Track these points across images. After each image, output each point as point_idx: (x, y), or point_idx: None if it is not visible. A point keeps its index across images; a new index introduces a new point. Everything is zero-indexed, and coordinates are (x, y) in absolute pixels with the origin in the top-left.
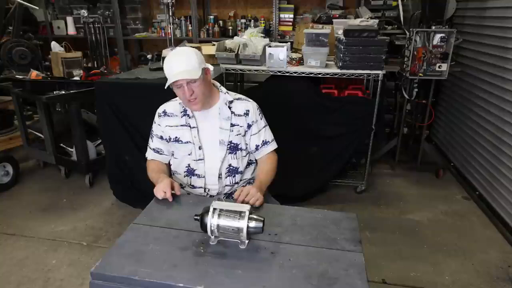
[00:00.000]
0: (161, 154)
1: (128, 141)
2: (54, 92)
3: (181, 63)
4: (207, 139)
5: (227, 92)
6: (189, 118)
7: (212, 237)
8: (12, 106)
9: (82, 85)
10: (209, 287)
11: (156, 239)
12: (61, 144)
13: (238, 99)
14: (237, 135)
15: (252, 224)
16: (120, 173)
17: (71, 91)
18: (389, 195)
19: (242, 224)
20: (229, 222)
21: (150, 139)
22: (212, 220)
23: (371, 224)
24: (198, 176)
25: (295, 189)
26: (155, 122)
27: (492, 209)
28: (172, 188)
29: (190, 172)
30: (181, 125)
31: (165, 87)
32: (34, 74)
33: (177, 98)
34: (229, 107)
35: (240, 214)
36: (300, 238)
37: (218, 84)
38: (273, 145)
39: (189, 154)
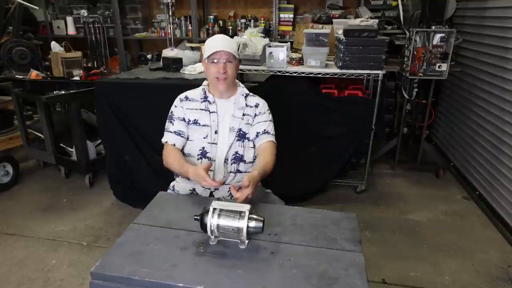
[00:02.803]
0: (182, 136)
1: (128, 141)
2: (54, 92)
3: (227, 42)
4: (222, 125)
5: (244, 87)
6: (210, 104)
7: (212, 237)
8: (12, 106)
9: (82, 85)
10: (209, 287)
11: (156, 239)
12: (61, 144)
13: (252, 95)
14: (246, 123)
15: (252, 224)
16: (120, 173)
17: (71, 91)
18: (389, 195)
19: (242, 224)
20: (229, 222)
21: (169, 123)
22: (212, 220)
23: (371, 224)
24: (209, 159)
25: (295, 189)
26: (175, 106)
27: (492, 209)
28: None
29: (203, 154)
30: (201, 109)
31: (206, 57)
32: (34, 74)
33: (196, 88)
34: (245, 99)
35: (240, 214)
36: (300, 238)
37: (237, 80)
38: (273, 138)
39: (204, 137)
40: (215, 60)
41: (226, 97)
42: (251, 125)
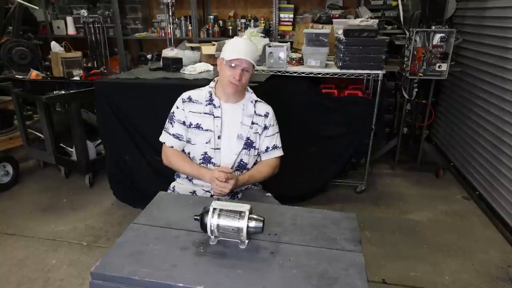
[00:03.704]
0: (180, 140)
1: (128, 141)
2: (54, 92)
3: (251, 51)
4: (226, 131)
5: (252, 93)
6: (215, 108)
7: (212, 237)
8: (12, 106)
9: (82, 85)
10: (209, 287)
11: (156, 239)
12: (61, 144)
13: (259, 101)
14: (255, 133)
15: (252, 224)
16: (120, 173)
17: (71, 91)
18: (389, 195)
19: (242, 224)
20: (229, 222)
21: (169, 124)
22: (212, 220)
23: (371, 224)
24: (214, 164)
25: (295, 189)
26: (177, 107)
27: (492, 209)
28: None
29: (207, 160)
30: (205, 113)
31: (226, 59)
32: (34, 74)
33: (201, 88)
34: (254, 106)
35: (240, 214)
36: (300, 238)
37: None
38: (281, 152)
39: (207, 142)
40: (233, 65)
41: (233, 101)
42: (259, 134)
